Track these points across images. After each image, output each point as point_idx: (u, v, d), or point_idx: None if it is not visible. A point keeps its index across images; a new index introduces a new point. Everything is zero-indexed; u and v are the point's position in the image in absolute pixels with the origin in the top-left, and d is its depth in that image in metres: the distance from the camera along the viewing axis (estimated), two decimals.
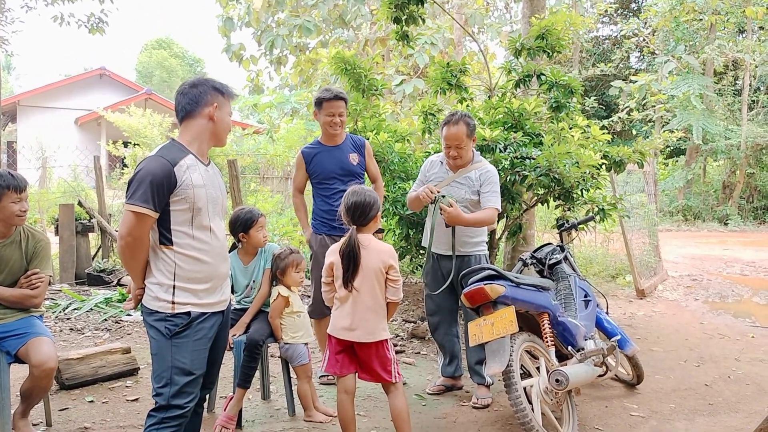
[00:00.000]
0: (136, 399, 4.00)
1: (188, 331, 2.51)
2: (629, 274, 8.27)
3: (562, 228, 4.55)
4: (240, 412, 3.57)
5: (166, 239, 2.50)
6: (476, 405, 3.97)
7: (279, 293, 3.66)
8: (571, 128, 5.40)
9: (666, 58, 18.55)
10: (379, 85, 5.86)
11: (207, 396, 3.00)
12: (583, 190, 5.06)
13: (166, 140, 2.64)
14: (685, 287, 8.66)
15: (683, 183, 19.86)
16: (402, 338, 5.58)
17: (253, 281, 3.79)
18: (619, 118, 19.70)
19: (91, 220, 8.10)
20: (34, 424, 3.46)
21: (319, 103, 4.22)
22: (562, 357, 3.71)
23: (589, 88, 21.63)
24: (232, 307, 3.56)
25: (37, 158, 15.25)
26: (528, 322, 3.70)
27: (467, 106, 5.66)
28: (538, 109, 5.34)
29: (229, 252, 3.49)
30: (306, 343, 3.74)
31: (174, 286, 2.50)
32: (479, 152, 4.25)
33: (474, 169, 4.03)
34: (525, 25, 6.64)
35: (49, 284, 3.96)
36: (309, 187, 4.47)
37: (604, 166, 5.32)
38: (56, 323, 5.80)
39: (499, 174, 4.21)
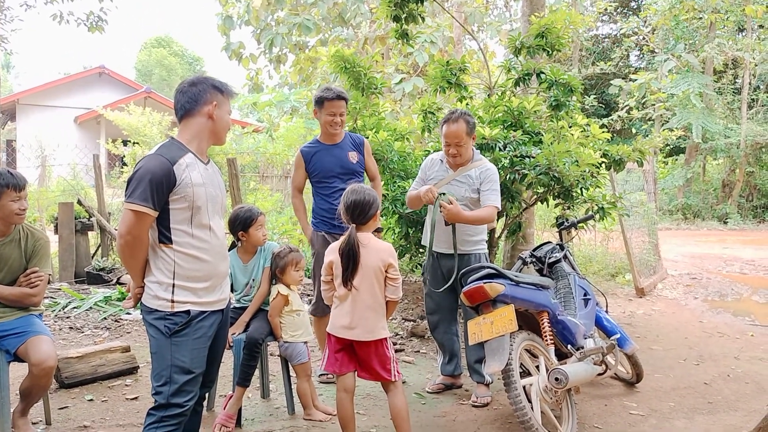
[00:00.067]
0: (136, 397, 3.99)
1: (188, 329, 2.51)
2: (629, 273, 8.28)
3: (562, 226, 4.55)
4: (239, 410, 3.57)
5: (165, 238, 2.50)
6: (476, 403, 3.98)
7: (278, 292, 3.66)
8: (570, 127, 5.40)
9: (666, 57, 18.53)
10: (378, 84, 5.85)
11: (206, 394, 3.00)
12: (583, 189, 5.06)
13: (165, 139, 2.63)
14: (685, 286, 8.67)
15: (683, 181, 19.87)
16: (401, 337, 5.58)
17: (253, 280, 3.78)
18: (619, 116, 19.69)
19: (91, 219, 8.10)
20: (33, 423, 3.46)
21: (321, 102, 4.22)
22: (561, 355, 3.71)
23: (588, 86, 21.60)
24: (232, 306, 3.56)
25: (37, 157, 15.25)
26: (527, 321, 3.70)
27: (467, 104, 5.65)
28: (538, 107, 5.34)
29: (229, 251, 3.49)
30: (305, 342, 3.74)
31: (173, 285, 2.50)
32: (479, 151, 4.24)
33: (474, 168, 4.03)
34: (525, 23, 6.64)
35: (49, 283, 3.96)
36: (308, 186, 4.46)
37: (603, 165, 5.32)
38: (56, 322, 5.80)
39: (499, 172, 4.21)
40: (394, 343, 5.20)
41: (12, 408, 3.31)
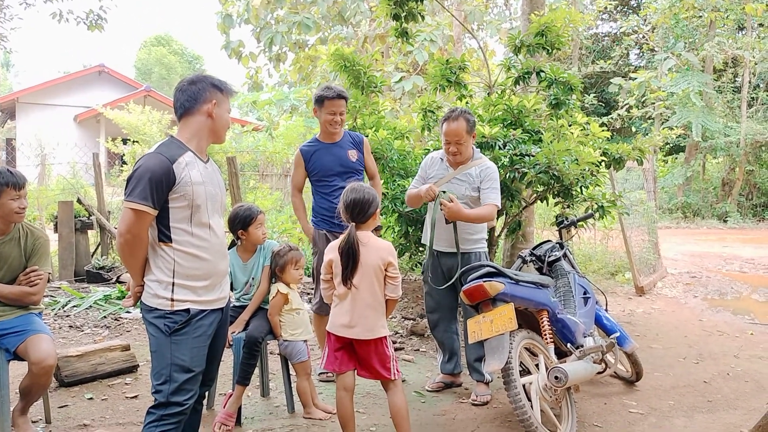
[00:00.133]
0: (136, 396, 4.00)
1: (187, 328, 2.51)
2: (628, 272, 8.28)
3: (562, 225, 4.55)
4: (239, 409, 3.57)
5: (165, 236, 2.49)
6: (475, 402, 3.98)
7: (278, 290, 3.66)
8: (570, 125, 5.40)
9: (665, 55, 18.51)
10: (378, 82, 5.85)
11: (206, 393, 3.01)
12: (583, 188, 5.06)
13: (165, 137, 2.63)
14: (685, 284, 8.67)
15: (682, 180, 19.86)
16: (401, 335, 5.58)
17: (252, 278, 3.78)
18: (619, 115, 19.68)
19: (90, 218, 8.10)
20: (33, 421, 3.46)
21: (321, 101, 4.21)
22: (561, 354, 3.71)
23: (588, 85, 21.60)
24: (232, 305, 3.56)
25: (36, 155, 15.25)
26: (527, 320, 3.70)
27: (466, 103, 5.66)
28: (538, 106, 5.34)
29: (228, 249, 3.49)
30: (305, 340, 3.74)
31: (173, 284, 2.49)
32: (479, 149, 4.25)
33: (474, 166, 4.03)
34: (524, 22, 6.64)
35: (48, 281, 3.96)
36: (307, 184, 4.46)
37: (603, 163, 5.32)
38: (55, 320, 5.80)
39: (498, 171, 4.21)
40: (394, 342, 5.20)
41: (12, 406, 3.31)
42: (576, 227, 4.67)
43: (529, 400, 3.31)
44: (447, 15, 11.97)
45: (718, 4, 17.85)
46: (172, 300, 2.49)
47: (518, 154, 4.87)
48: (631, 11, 23.30)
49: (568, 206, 5.42)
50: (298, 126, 14.23)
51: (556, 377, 3.29)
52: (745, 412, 3.92)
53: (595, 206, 5.27)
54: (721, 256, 11.35)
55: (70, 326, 5.65)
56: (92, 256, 8.25)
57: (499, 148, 4.91)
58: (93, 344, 4.62)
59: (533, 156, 4.79)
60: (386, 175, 5.39)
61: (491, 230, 5.30)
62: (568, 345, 3.69)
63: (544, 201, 5.32)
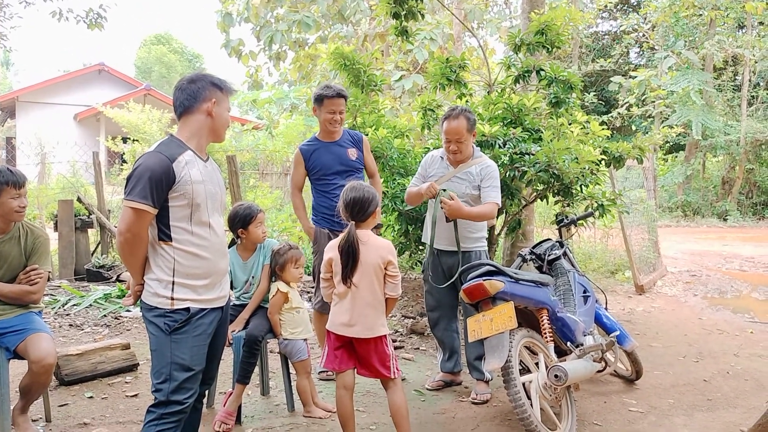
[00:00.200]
0: (136, 395, 4.00)
1: (187, 327, 2.51)
2: (628, 270, 8.28)
3: (561, 224, 4.55)
4: (239, 407, 3.57)
5: (165, 235, 2.49)
6: (475, 400, 3.98)
7: (278, 289, 3.66)
8: (570, 124, 5.40)
9: (665, 54, 18.51)
10: (378, 81, 5.85)
11: (206, 392, 3.01)
12: (583, 186, 5.06)
13: (165, 136, 2.63)
14: (684, 283, 8.68)
15: (682, 179, 19.87)
16: (401, 334, 5.58)
17: (252, 277, 3.79)
18: (619, 113, 19.67)
19: (90, 216, 8.10)
20: (33, 420, 3.47)
21: (320, 100, 4.21)
22: (561, 353, 3.71)
23: (588, 83, 21.60)
24: (231, 303, 3.56)
25: (36, 154, 15.25)
26: (527, 318, 3.70)
27: (466, 101, 5.66)
28: (538, 104, 5.33)
29: (228, 248, 3.49)
30: (305, 339, 3.74)
31: (173, 282, 2.49)
32: (479, 148, 4.25)
33: (474, 164, 4.03)
34: (524, 20, 6.63)
35: (48, 280, 3.96)
36: (306, 183, 4.46)
37: (603, 162, 5.32)
38: (55, 319, 5.80)
39: (498, 170, 4.21)
40: (394, 341, 5.20)
41: (12, 405, 3.31)
42: (576, 226, 4.67)
43: (529, 398, 3.31)
44: (447, 13, 11.96)
45: (718, 3, 17.84)
46: (172, 299, 2.49)
47: (518, 152, 4.87)
48: (631, 9, 23.29)
49: (568, 205, 5.42)
50: (298, 124, 14.21)
51: (556, 376, 3.29)
52: (744, 411, 3.92)
53: (595, 205, 5.27)
54: (721, 255, 11.35)
55: (70, 325, 5.66)
56: (92, 254, 8.25)
57: (499, 147, 4.91)
58: (93, 343, 4.62)
59: (533, 154, 4.78)
60: (386, 174, 5.39)
61: (491, 229, 5.30)
62: (568, 343, 3.69)
63: (544, 199, 5.32)
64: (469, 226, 4.03)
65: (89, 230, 8.29)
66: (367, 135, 4.81)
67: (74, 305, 6.23)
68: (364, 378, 3.24)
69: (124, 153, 14.10)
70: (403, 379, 4.11)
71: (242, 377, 3.56)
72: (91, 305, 6.24)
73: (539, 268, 4.20)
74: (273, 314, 3.66)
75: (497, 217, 5.07)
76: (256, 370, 3.78)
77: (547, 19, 5.51)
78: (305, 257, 3.93)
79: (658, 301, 7.51)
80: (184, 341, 2.50)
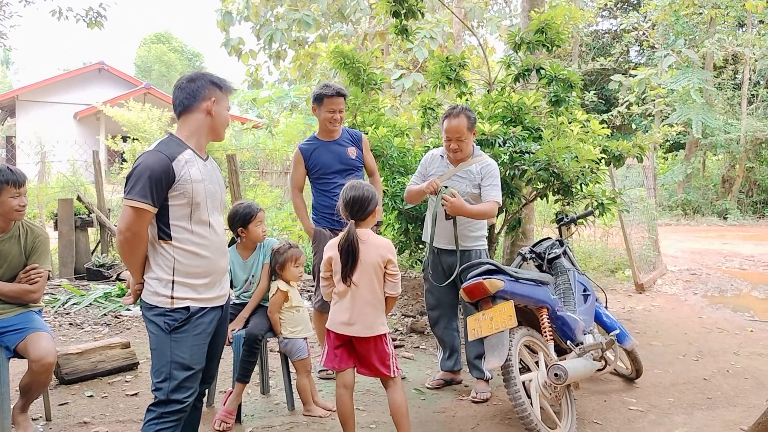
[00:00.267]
0: (136, 394, 4.00)
1: (187, 326, 2.51)
2: (628, 269, 8.28)
3: (561, 222, 4.55)
4: (239, 406, 3.58)
5: (164, 234, 2.49)
6: (475, 399, 3.98)
7: (278, 288, 3.66)
8: (570, 122, 5.40)
9: (666, 52, 18.50)
10: (378, 80, 5.85)
11: (206, 390, 3.01)
12: (583, 185, 5.06)
13: (164, 135, 2.63)
14: (684, 281, 8.68)
15: (682, 177, 19.87)
16: (401, 333, 5.58)
17: (252, 276, 3.79)
18: (619, 112, 19.63)
19: (90, 215, 8.10)
20: (33, 419, 3.47)
21: (320, 99, 4.21)
22: (561, 351, 3.71)
23: (588, 82, 21.59)
24: (231, 302, 3.56)
25: (36, 153, 15.25)
26: (527, 317, 3.70)
27: (466, 100, 5.66)
28: (538, 103, 5.33)
29: (228, 247, 3.49)
30: (305, 338, 3.74)
31: (173, 281, 2.49)
32: (479, 147, 4.24)
33: (475, 163, 4.03)
34: (524, 19, 6.63)
35: (48, 279, 3.96)
36: (306, 183, 4.46)
37: (603, 161, 5.32)
38: (55, 318, 5.81)
39: (498, 168, 4.21)
40: (394, 339, 5.20)
41: (12, 404, 3.32)
42: (576, 224, 4.67)
43: (529, 397, 3.31)
44: (447, 12, 11.95)
45: (719, 1, 17.83)
46: (172, 298, 2.49)
47: (518, 151, 4.87)
48: (631, 8, 23.28)
49: (568, 203, 5.42)
50: (298, 123, 14.21)
51: (556, 374, 3.29)
52: (744, 409, 3.92)
53: (595, 203, 5.27)
54: (721, 253, 11.36)
55: (70, 324, 5.66)
56: (92, 253, 8.25)
57: (499, 146, 4.91)
58: (93, 342, 4.62)
59: (533, 153, 4.78)
60: (386, 173, 5.39)
61: (491, 227, 5.30)
62: (568, 342, 3.69)
63: (544, 198, 5.32)
64: (469, 224, 4.03)
65: (89, 229, 8.29)
66: (367, 134, 4.81)
67: (74, 304, 6.23)
68: (364, 377, 3.24)
69: (124, 152, 14.11)
70: (403, 378, 4.11)
71: (242, 376, 3.56)
72: (91, 304, 6.24)
73: (539, 267, 4.20)
74: (273, 313, 3.66)
75: (497, 216, 5.07)
76: (256, 369, 3.78)
77: (547, 18, 5.51)
78: (305, 256, 3.92)
79: (658, 299, 7.51)
80: (184, 340, 2.50)
